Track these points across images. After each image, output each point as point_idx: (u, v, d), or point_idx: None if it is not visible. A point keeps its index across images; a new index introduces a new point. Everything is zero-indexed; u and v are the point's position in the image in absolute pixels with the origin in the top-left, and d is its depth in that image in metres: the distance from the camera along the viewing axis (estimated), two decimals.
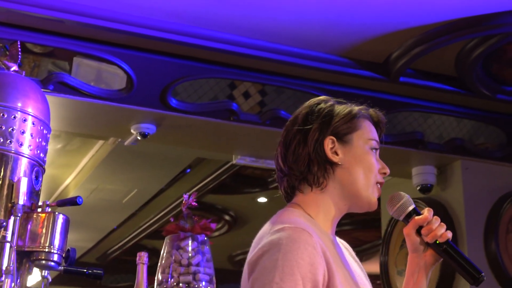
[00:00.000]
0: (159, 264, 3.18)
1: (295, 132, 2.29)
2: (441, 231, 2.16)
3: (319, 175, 2.22)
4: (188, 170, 7.21)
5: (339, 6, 4.30)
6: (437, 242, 2.17)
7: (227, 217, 8.80)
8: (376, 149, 2.26)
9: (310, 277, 1.97)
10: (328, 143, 2.22)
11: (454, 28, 4.43)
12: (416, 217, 2.20)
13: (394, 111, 5.27)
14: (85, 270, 2.71)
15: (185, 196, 3.29)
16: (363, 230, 9.00)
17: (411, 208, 2.23)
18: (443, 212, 5.56)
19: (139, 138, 4.99)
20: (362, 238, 9.36)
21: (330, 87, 5.05)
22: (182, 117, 4.82)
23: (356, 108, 2.31)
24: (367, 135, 2.26)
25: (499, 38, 4.51)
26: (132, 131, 4.99)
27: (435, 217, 2.18)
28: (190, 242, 3.16)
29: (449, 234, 2.17)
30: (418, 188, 5.67)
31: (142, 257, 3.11)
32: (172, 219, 3.31)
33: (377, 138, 2.28)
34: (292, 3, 4.28)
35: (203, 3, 4.28)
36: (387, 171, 2.25)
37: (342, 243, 2.36)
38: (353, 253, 2.41)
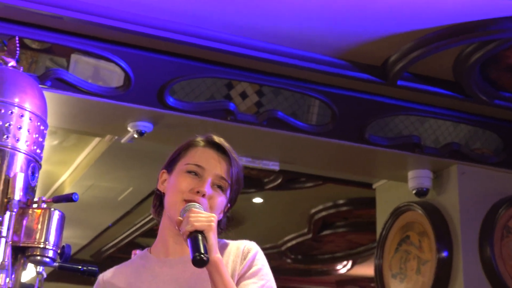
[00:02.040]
0: None
1: None
2: (185, 227, 2.26)
3: (156, 207, 2.55)
4: None
5: (338, 8, 4.30)
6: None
7: None
8: (194, 172, 2.44)
9: None
10: (161, 176, 2.55)
11: (452, 33, 4.43)
12: None
13: (391, 114, 5.28)
14: (79, 267, 2.70)
15: None
16: (357, 232, 9.01)
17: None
18: (438, 216, 5.57)
19: (135, 136, 4.99)
20: (357, 240, 9.37)
21: (327, 89, 5.05)
22: (179, 116, 4.83)
23: (194, 140, 2.56)
24: (187, 160, 2.48)
25: (497, 43, 4.52)
26: (129, 129, 4.99)
27: (188, 216, 2.29)
28: None
29: (191, 228, 2.24)
30: (414, 192, 5.67)
31: None
32: None
33: (200, 162, 2.47)
34: (291, 5, 4.28)
35: (203, 3, 4.28)
36: (200, 189, 2.41)
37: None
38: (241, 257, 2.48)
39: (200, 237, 2.23)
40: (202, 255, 2.18)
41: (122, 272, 2.53)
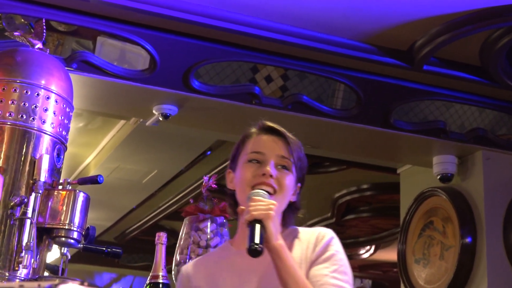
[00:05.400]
0: (177, 244, 3.19)
1: None
2: (245, 216, 2.33)
3: (232, 206, 2.59)
4: (209, 153, 7.21)
5: None
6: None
7: None
8: (255, 160, 2.51)
9: None
10: (228, 177, 2.60)
11: (479, 17, 4.40)
12: None
13: (417, 99, 5.25)
14: (104, 249, 2.73)
15: (205, 178, 3.30)
16: (381, 217, 8.99)
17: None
18: (463, 202, 5.55)
19: (160, 119, 5.00)
20: (380, 225, 9.36)
21: (353, 73, 5.04)
22: (204, 99, 4.83)
23: (247, 132, 2.64)
24: (245, 152, 2.55)
25: None
26: (154, 111, 5.00)
27: (249, 205, 2.34)
28: (209, 224, 3.18)
29: (250, 217, 2.30)
30: (438, 177, 5.65)
31: (161, 237, 3.13)
32: (191, 201, 3.32)
33: (258, 148, 2.53)
34: None
35: None
36: (268, 170, 2.47)
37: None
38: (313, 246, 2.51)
39: (257, 226, 2.28)
40: (256, 246, 2.23)
41: (203, 263, 2.61)
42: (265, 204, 2.32)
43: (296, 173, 2.55)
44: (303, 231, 2.56)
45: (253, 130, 2.62)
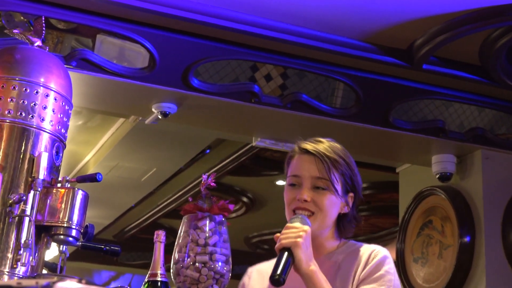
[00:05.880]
0: (176, 243, 3.18)
1: None
2: (277, 246, 2.40)
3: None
4: (208, 151, 7.22)
5: None
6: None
7: (245, 199, 8.81)
8: (293, 183, 2.59)
9: None
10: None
11: (479, 17, 4.40)
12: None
13: (416, 98, 5.25)
14: (102, 247, 2.73)
15: (204, 176, 3.29)
16: (380, 216, 9.00)
17: None
18: (461, 201, 5.55)
19: (160, 117, 5.00)
20: (379, 224, 9.36)
21: (352, 72, 5.04)
22: (203, 97, 4.83)
23: (292, 150, 2.69)
24: (288, 173, 2.64)
25: None
26: (153, 110, 5.00)
27: (282, 233, 2.42)
28: (207, 222, 3.16)
29: (279, 246, 2.39)
30: (437, 176, 5.65)
31: (160, 235, 3.12)
32: (190, 199, 3.32)
33: (295, 171, 2.60)
34: None
35: None
36: (300, 197, 2.55)
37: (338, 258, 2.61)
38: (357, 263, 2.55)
39: (284, 256, 2.34)
40: (276, 276, 2.29)
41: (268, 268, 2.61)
42: (295, 232, 2.38)
43: (341, 187, 2.58)
44: (359, 247, 2.59)
45: (296, 149, 2.66)
